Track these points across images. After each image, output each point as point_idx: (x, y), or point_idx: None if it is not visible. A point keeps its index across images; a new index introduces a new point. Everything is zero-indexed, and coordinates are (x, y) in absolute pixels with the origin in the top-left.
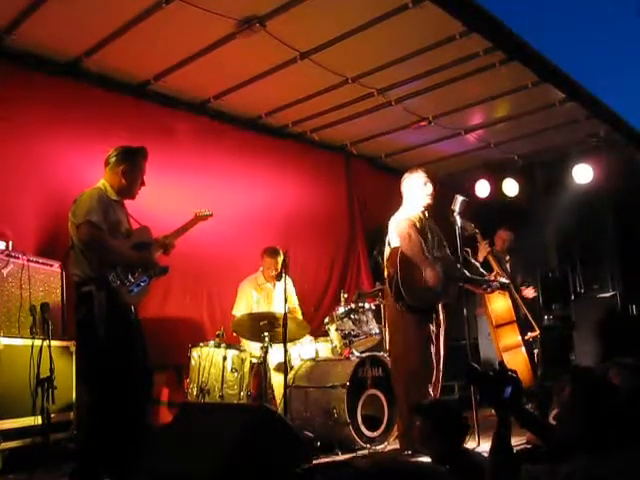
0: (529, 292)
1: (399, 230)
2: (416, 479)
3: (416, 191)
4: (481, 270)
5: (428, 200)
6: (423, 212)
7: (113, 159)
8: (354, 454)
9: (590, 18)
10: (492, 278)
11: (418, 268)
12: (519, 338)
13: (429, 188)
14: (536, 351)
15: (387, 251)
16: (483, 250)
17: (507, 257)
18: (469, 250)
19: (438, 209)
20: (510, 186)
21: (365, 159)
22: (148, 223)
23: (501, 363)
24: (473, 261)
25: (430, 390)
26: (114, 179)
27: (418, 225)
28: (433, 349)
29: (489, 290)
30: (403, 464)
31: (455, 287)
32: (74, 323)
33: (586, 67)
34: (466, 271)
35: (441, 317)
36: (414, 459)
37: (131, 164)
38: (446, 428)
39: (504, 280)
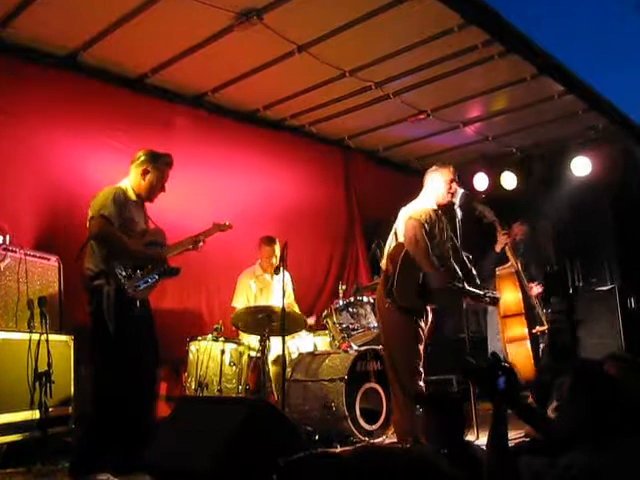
0: (534, 290)
1: (406, 230)
2: (403, 469)
3: (438, 187)
4: (477, 280)
5: (448, 199)
6: (436, 210)
7: (137, 160)
8: (352, 447)
9: (591, 16)
10: (484, 292)
11: (417, 271)
12: (525, 331)
13: (453, 188)
14: (542, 345)
15: (391, 241)
16: (502, 240)
17: (521, 250)
18: (471, 256)
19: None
20: (508, 179)
21: (363, 152)
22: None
23: (494, 353)
24: (471, 267)
25: (422, 384)
26: (135, 180)
27: (427, 226)
28: (421, 346)
29: (482, 304)
30: (388, 453)
31: (449, 297)
32: (88, 316)
33: (587, 65)
34: (466, 284)
35: (429, 316)
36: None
37: (152, 168)
38: (448, 420)
39: (496, 295)
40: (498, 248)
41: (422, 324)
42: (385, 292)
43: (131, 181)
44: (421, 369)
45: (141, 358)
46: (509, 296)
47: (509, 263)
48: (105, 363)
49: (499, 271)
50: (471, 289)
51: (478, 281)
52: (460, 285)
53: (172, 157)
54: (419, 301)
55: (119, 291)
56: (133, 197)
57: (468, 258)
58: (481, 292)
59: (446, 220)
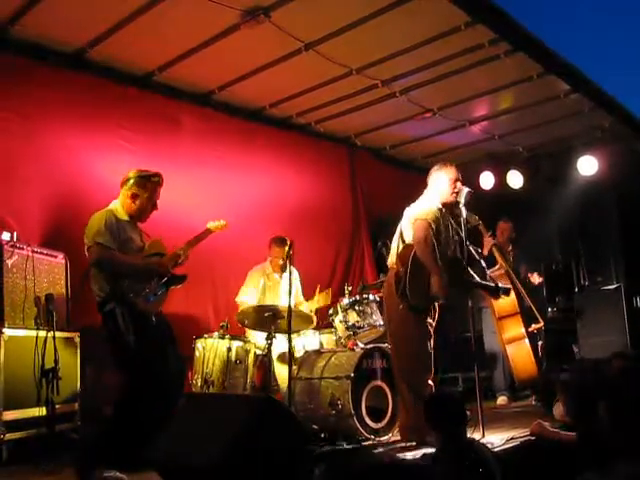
0: (535, 278)
1: (414, 230)
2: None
3: (443, 186)
4: (483, 266)
5: (452, 198)
6: (441, 209)
7: (127, 182)
8: (358, 445)
9: (597, 13)
10: (496, 284)
11: (427, 271)
12: (522, 330)
13: (457, 187)
14: (540, 343)
15: (397, 241)
16: (487, 243)
17: (510, 248)
18: (480, 250)
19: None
20: (514, 178)
21: (369, 151)
22: (151, 216)
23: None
24: (478, 257)
25: (430, 382)
26: (124, 202)
27: (434, 225)
28: (431, 343)
29: (493, 295)
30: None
31: (459, 291)
32: (106, 340)
33: (593, 63)
34: (476, 275)
35: (437, 312)
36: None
37: (142, 189)
38: (443, 418)
39: (506, 286)
40: (485, 251)
41: (430, 321)
42: (399, 294)
43: (121, 202)
44: (431, 367)
45: (165, 369)
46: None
47: (498, 265)
48: (131, 378)
49: (490, 274)
50: (483, 282)
51: (488, 272)
52: (472, 279)
53: (162, 176)
54: (431, 299)
55: (132, 310)
56: (125, 217)
57: (477, 251)
58: (492, 284)
59: (451, 218)
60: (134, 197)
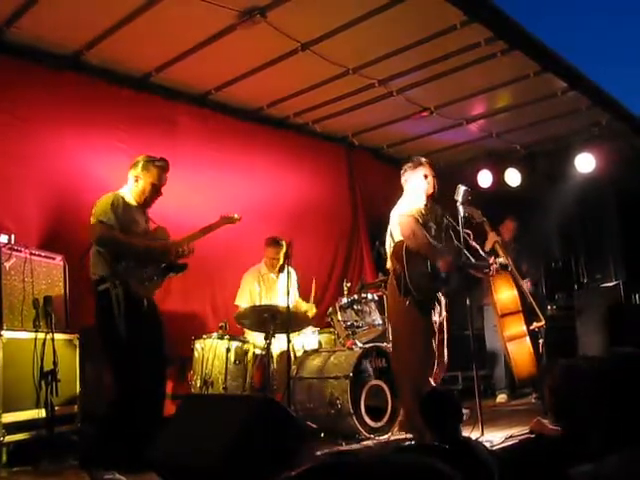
0: (524, 285)
1: (402, 228)
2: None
3: (416, 183)
4: (481, 252)
5: (430, 192)
6: (425, 205)
7: (135, 165)
8: (358, 444)
9: (594, 7)
10: (491, 261)
11: (424, 261)
12: (524, 328)
13: (430, 180)
14: (541, 341)
15: (389, 243)
16: (491, 239)
17: (513, 246)
18: (470, 232)
19: (440, 199)
20: (512, 176)
21: (367, 150)
22: (149, 215)
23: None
24: (473, 243)
25: (431, 379)
26: (131, 185)
27: (421, 220)
28: (435, 339)
29: (490, 273)
30: (406, 461)
31: (458, 277)
32: (95, 319)
33: (590, 57)
34: (470, 256)
35: (443, 307)
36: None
37: (143, 174)
38: (438, 417)
39: (503, 261)
40: (488, 246)
41: (435, 317)
42: (402, 291)
43: (129, 186)
44: (433, 364)
45: (150, 357)
46: (505, 294)
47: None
48: (117, 363)
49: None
50: (477, 263)
51: (482, 253)
52: (466, 260)
53: (167, 161)
54: (434, 289)
55: (127, 292)
56: (132, 202)
57: (468, 235)
58: (487, 263)
59: (445, 216)
60: (137, 180)
